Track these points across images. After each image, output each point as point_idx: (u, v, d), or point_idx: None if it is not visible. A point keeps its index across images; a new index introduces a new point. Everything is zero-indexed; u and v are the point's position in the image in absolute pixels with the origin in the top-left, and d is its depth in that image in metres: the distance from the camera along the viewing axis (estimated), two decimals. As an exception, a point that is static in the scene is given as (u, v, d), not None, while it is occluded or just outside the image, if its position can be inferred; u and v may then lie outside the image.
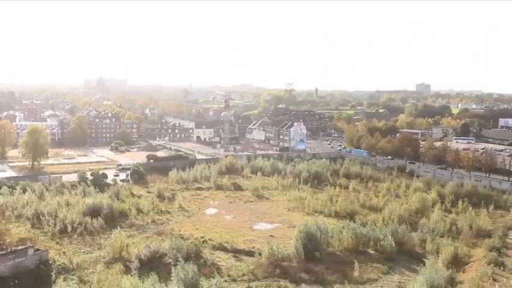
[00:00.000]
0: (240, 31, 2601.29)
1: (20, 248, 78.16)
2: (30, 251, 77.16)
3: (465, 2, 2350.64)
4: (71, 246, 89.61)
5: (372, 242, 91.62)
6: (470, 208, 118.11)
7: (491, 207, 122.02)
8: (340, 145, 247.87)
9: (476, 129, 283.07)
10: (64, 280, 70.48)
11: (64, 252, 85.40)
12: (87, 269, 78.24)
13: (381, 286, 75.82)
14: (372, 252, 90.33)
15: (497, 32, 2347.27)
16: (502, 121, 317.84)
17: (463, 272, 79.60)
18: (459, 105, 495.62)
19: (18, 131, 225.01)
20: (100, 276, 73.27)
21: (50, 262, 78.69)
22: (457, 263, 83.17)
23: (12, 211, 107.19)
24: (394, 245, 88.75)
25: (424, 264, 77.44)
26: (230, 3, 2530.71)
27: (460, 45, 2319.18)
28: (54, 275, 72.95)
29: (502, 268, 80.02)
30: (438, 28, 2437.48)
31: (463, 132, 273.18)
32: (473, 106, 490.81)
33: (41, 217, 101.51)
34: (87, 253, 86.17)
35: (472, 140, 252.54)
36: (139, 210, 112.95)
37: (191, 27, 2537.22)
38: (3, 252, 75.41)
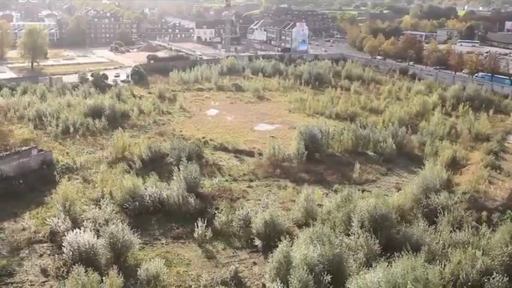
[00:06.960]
0: None
1: (23, 148, 78.92)
2: (34, 152, 78.03)
3: None
4: (74, 146, 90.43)
5: (371, 143, 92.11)
6: (471, 112, 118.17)
7: (492, 111, 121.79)
8: (474, 75, 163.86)
9: (481, 32, 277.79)
10: (68, 180, 71.58)
11: (67, 153, 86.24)
12: (91, 168, 79.16)
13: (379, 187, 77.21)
14: (371, 154, 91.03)
15: None
16: (508, 24, 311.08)
17: (460, 174, 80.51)
18: (466, 7, 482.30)
19: (16, 31, 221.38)
20: (103, 176, 74.50)
21: (54, 162, 79.93)
22: (455, 165, 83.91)
23: (14, 112, 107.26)
24: (393, 147, 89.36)
25: (423, 166, 78.34)
26: None
27: None
28: (58, 175, 74.05)
29: (498, 171, 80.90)
30: None
31: (468, 35, 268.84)
32: (480, 8, 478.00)
33: (43, 118, 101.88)
34: (90, 153, 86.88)
35: (477, 43, 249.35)
36: (140, 111, 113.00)
37: None
38: (8, 153, 76.16)
